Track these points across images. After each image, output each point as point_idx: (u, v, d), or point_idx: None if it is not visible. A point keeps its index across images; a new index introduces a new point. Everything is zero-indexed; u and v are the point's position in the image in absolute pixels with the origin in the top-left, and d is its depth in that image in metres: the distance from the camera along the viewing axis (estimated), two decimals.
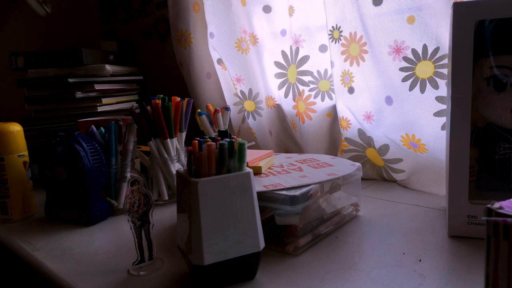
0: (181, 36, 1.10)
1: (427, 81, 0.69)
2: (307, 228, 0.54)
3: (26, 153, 0.73)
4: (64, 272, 0.52)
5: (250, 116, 1.02)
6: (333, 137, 0.93)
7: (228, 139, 0.45)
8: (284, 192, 0.52)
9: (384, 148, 0.79)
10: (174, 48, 1.12)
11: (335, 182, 0.59)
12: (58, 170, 0.69)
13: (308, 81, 0.91)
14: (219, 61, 1.04)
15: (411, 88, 0.71)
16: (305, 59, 0.90)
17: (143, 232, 0.50)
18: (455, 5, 0.51)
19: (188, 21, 1.09)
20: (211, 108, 0.87)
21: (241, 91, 1.01)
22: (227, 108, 0.88)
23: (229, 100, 1.06)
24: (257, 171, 0.61)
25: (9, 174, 0.71)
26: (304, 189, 0.53)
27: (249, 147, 0.86)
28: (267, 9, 0.95)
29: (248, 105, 1.01)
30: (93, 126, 0.73)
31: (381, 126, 0.79)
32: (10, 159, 0.71)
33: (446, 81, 0.67)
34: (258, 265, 0.46)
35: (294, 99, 0.94)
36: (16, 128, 0.72)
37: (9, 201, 0.71)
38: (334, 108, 0.89)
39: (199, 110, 0.86)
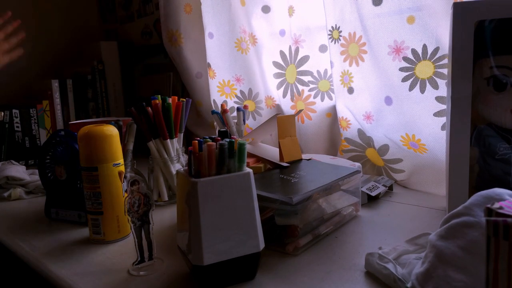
0: (171, 36, 1.11)
1: (427, 81, 0.69)
2: (307, 228, 0.54)
3: (121, 161, 0.62)
4: (64, 272, 0.52)
5: (250, 116, 1.02)
6: (333, 137, 0.93)
7: (228, 139, 0.45)
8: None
9: (384, 148, 0.79)
10: (165, 46, 1.13)
11: (335, 182, 0.58)
12: (58, 170, 0.69)
13: (308, 81, 0.91)
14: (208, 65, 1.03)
15: (411, 88, 0.71)
16: (305, 59, 0.90)
17: (143, 232, 0.50)
18: (455, 5, 0.51)
19: (179, 22, 1.09)
20: (224, 107, 0.85)
21: (241, 91, 1.01)
22: (239, 109, 0.86)
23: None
24: (257, 171, 0.61)
25: (103, 186, 0.59)
26: None
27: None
28: (266, 9, 0.95)
29: (249, 105, 1.01)
30: None
31: (381, 126, 0.79)
32: (105, 168, 0.59)
33: (446, 81, 0.67)
34: (258, 265, 0.46)
35: (292, 99, 0.94)
36: (112, 131, 0.61)
37: (102, 218, 0.60)
38: (334, 108, 0.89)
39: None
